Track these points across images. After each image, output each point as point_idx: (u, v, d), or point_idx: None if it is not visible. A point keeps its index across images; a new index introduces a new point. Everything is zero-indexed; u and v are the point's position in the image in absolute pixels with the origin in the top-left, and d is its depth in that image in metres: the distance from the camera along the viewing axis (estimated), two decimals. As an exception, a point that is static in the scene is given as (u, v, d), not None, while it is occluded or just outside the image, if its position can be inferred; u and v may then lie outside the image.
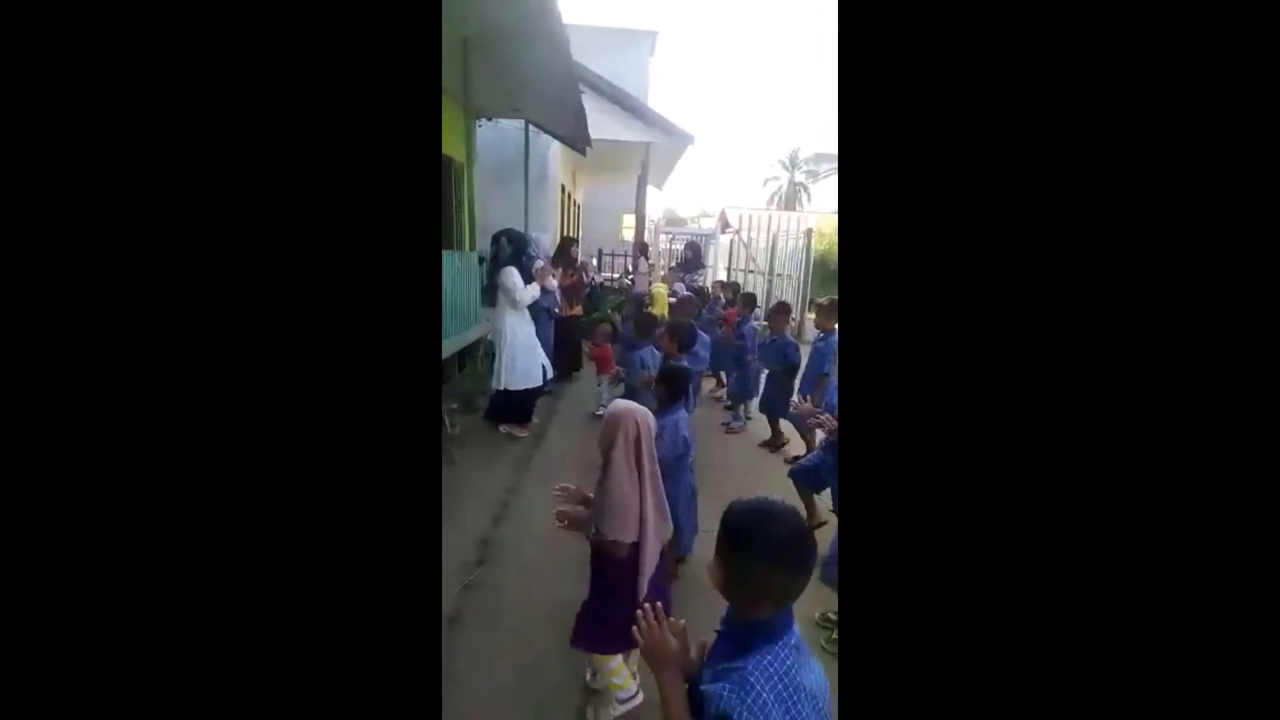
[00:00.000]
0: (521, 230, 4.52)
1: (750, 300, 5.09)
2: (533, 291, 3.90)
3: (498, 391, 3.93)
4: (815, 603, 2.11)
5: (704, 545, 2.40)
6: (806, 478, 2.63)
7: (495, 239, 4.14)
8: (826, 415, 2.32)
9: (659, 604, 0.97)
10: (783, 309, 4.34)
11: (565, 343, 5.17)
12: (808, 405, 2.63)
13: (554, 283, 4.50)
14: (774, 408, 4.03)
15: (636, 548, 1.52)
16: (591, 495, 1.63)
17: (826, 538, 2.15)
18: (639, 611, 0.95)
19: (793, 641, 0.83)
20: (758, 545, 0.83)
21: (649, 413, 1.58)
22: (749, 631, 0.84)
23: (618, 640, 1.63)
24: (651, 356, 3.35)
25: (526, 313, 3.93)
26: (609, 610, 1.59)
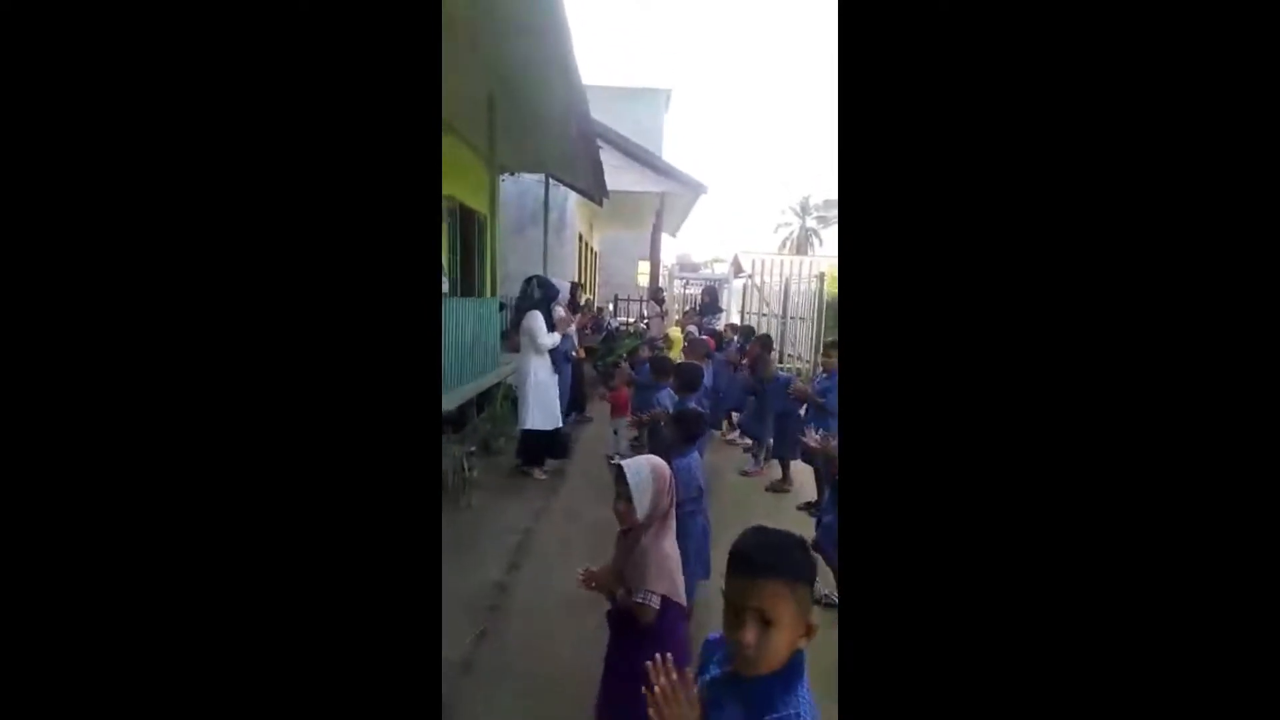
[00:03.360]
0: (544, 277, 4.66)
1: (767, 342, 5.13)
2: (554, 339, 4.02)
3: (524, 434, 3.99)
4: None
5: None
6: (831, 540, 2.34)
7: (527, 282, 4.28)
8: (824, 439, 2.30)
9: (669, 656, 0.86)
10: (765, 348, 4.47)
11: (574, 385, 5.23)
12: (820, 439, 2.61)
13: (573, 329, 4.62)
14: (782, 449, 4.04)
15: (662, 612, 1.44)
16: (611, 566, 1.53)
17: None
18: (649, 664, 0.84)
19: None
20: (806, 568, 0.82)
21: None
22: (789, 672, 0.81)
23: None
24: (670, 398, 3.38)
25: (548, 356, 4.03)
26: (636, 689, 1.48)
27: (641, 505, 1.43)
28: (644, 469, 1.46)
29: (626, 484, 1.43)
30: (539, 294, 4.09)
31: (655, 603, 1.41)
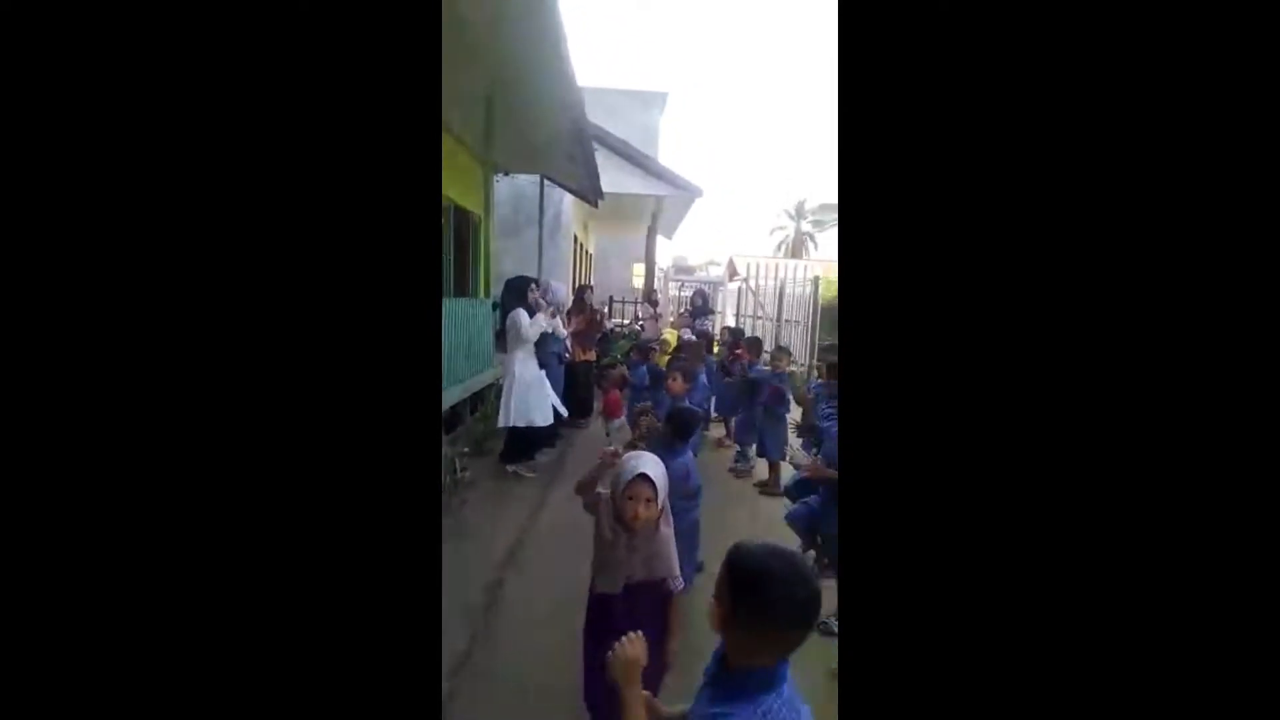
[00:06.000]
0: (533, 278, 4.67)
1: (756, 345, 5.14)
2: (538, 324, 4.00)
3: (510, 431, 3.98)
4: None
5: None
6: (804, 522, 2.62)
7: (504, 291, 4.32)
8: (813, 460, 2.36)
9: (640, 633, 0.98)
10: (754, 350, 4.56)
11: (578, 387, 5.24)
12: (800, 454, 2.67)
13: (563, 330, 4.62)
14: (771, 450, 4.08)
15: (663, 603, 1.52)
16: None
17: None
18: (625, 638, 0.95)
19: (785, 694, 0.79)
20: (773, 604, 0.77)
21: None
22: (743, 680, 0.80)
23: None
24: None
25: (534, 353, 4.03)
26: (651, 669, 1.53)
27: (661, 500, 1.48)
28: (658, 466, 1.50)
29: (654, 485, 1.45)
30: (509, 298, 4.11)
31: (683, 580, 1.54)
